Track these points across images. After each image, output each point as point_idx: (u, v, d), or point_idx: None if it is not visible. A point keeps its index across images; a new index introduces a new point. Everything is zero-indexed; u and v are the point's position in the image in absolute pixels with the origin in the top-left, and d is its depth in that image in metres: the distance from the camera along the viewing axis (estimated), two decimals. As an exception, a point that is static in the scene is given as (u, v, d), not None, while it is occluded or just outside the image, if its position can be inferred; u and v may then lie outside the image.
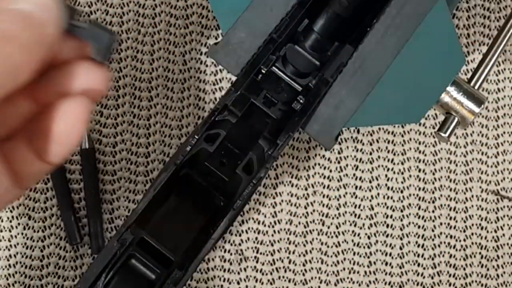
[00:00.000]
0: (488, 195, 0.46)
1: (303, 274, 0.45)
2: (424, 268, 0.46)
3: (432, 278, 0.46)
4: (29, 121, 0.28)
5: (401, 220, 0.46)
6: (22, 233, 0.44)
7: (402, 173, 0.46)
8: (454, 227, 0.46)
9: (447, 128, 0.35)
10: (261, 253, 0.45)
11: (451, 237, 0.46)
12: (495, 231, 0.46)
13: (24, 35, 0.24)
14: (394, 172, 0.46)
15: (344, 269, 0.45)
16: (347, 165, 0.46)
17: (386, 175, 0.46)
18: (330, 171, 0.46)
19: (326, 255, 0.45)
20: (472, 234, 0.46)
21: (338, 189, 0.46)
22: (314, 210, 0.45)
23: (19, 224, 0.44)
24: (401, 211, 0.46)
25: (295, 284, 0.45)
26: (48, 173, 0.36)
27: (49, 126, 0.27)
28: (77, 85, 0.27)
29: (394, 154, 0.46)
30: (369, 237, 0.46)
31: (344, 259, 0.45)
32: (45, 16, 0.25)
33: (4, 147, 0.26)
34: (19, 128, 0.28)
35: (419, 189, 0.46)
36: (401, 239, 0.46)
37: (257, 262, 0.45)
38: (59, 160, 0.29)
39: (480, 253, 0.46)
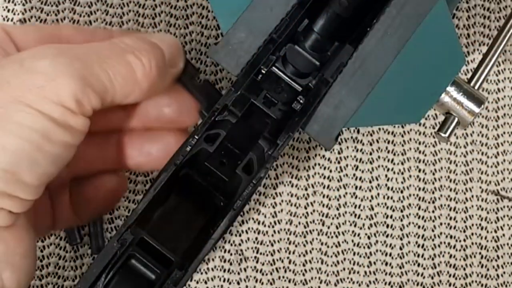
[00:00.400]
0: (488, 195, 0.46)
1: (303, 274, 0.45)
2: (424, 268, 0.46)
3: (432, 278, 0.46)
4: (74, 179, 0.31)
5: (401, 220, 0.46)
6: (22, 233, 0.44)
7: (402, 173, 0.46)
8: (454, 227, 0.46)
9: (447, 128, 0.35)
10: (261, 253, 0.45)
11: (451, 237, 0.46)
12: (495, 231, 0.46)
13: (152, 57, 0.28)
14: (394, 172, 0.46)
15: (344, 269, 0.45)
16: (347, 165, 0.46)
17: (386, 175, 0.46)
18: (330, 171, 0.46)
19: (326, 255, 0.45)
20: (472, 234, 0.46)
21: (338, 189, 0.46)
22: (314, 210, 0.45)
23: (19, 224, 0.44)
24: (401, 211, 0.46)
25: (295, 284, 0.45)
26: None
27: (91, 194, 0.30)
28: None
29: (394, 154, 0.46)
30: (369, 237, 0.46)
31: (344, 259, 0.45)
32: (172, 55, 0.30)
33: (51, 190, 0.29)
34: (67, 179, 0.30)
35: (419, 189, 0.46)
36: (401, 239, 0.46)
37: (257, 262, 0.45)
38: (84, 220, 0.33)
39: (480, 253, 0.46)
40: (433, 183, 0.46)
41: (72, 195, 0.32)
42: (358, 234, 0.46)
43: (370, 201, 0.46)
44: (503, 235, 0.46)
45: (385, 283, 0.45)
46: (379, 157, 0.46)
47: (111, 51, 0.27)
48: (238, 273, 0.45)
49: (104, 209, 0.32)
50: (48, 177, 0.26)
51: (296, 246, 0.45)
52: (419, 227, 0.46)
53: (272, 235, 0.45)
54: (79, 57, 0.26)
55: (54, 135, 0.25)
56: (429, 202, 0.46)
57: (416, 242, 0.46)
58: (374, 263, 0.45)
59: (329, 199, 0.46)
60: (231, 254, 0.45)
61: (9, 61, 0.26)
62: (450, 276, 0.46)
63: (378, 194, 0.46)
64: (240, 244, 0.45)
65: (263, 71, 0.31)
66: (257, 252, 0.45)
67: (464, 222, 0.46)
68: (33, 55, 0.26)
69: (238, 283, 0.45)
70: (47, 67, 0.25)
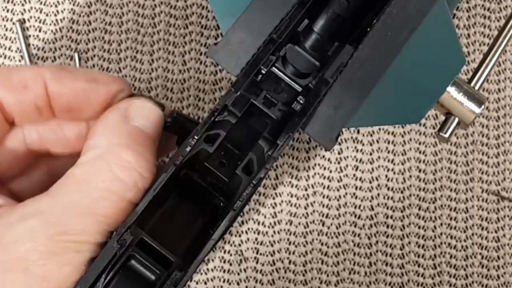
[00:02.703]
0: (488, 195, 0.46)
1: (303, 275, 0.45)
2: (424, 269, 0.46)
3: (433, 278, 0.45)
4: None
5: (402, 220, 0.46)
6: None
7: (403, 174, 0.46)
8: (455, 228, 0.46)
9: (447, 128, 0.35)
10: (261, 254, 0.45)
11: (451, 237, 0.46)
12: (496, 232, 0.46)
13: (152, 158, 0.28)
14: (394, 173, 0.46)
15: (344, 269, 0.45)
16: (347, 165, 0.46)
17: (386, 176, 0.46)
18: (330, 171, 0.46)
19: (326, 255, 0.45)
20: (473, 234, 0.46)
21: (338, 190, 0.46)
22: (314, 211, 0.45)
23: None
24: (402, 211, 0.46)
25: (295, 285, 0.45)
26: None
27: None
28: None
29: (395, 155, 0.46)
30: (369, 238, 0.45)
31: (345, 259, 0.45)
32: (159, 131, 0.29)
33: None
34: None
35: (420, 189, 0.46)
36: (401, 239, 0.46)
37: (257, 262, 0.45)
38: None
39: (481, 253, 0.46)
40: (433, 183, 0.46)
41: None
42: (359, 235, 0.45)
43: (371, 201, 0.46)
44: (504, 235, 0.46)
45: (386, 284, 0.45)
46: (379, 157, 0.46)
47: (111, 201, 0.26)
48: (238, 274, 0.45)
49: None
50: None
51: (296, 246, 0.45)
52: (419, 227, 0.46)
53: (272, 236, 0.45)
54: (81, 240, 0.26)
55: None
56: (429, 202, 0.46)
57: (417, 243, 0.46)
58: (375, 263, 0.45)
59: (329, 200, 0.46)
60: (231, 255, 0.45)
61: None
62: (451, 276, 0.46)
63: (379, 194, 0.46)
64: (240, 245, 0.45)
65: (263, 71, 0.30)
66: (257, 253, 0.45)
67: (465, 222, 0.46)
68: (16, 240, 0.25)
69: (238, 284, 0.45)
70: (30, 252, 0.25)
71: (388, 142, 0.46)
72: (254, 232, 0.45)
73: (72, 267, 0.25)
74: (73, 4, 0.46)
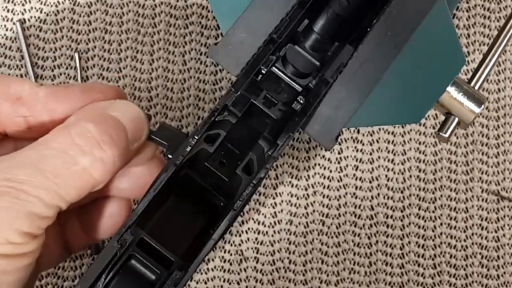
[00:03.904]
0: (488, 195, 0.46)
1: (303, 274, 0.45)
2: (424, 269, 0.46)
3: (433, 278, 0.45)
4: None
5: (402, 220, 0.46)
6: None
7: (403, 173, 0.46)
8: (455, 227, 0.46)
9: (447, 128, 0.35)
10: (261, 254, 0.45)
11: (451, 237, 0.46)
12: (496, 231, 0.46)
13: (120, 143, 0.27)
14: (394, 172, 0.46)
15: (344, 269, 0.45)
16: (347, 165, 0.46)
17: (386, 175, 0.46)
18: (330, 171, 0.46)
19: (326, 255, 0.45)
20: (473, 234, 0.46)
21: (338, 189, 0.46)
22: (314, 211, 0.45)
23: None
24: (402, 211, 0.46)
25: (295, 284, 0.45)
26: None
27: (97, 219, 0.32)
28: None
29: (395, 154, 0.46)
30: (369, 237, 0.45)
31: (345, 259, 0.45)
32: (135, 130, 0.29)
33: (60, 218, 0.29)
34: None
35: (420, 189, 0.46)
36: (401, 239, 0.46)
37: (257, 262, 0.45)
38: (99, 240, 0.33)
39: (480, 253, 0.46)
40: (433, 183, 0.46)
41: (80, 221, 0.32)
42: (359, 234, 0.45)
43: (371, 201, 0.46)
44: (504, 235, 0.46)
45: (386, 283, 0.45)
46: (379, 157, 0.46)
47: (62, 160, 0.26)
48: (238, 273, 0.45)
49: (112, 229, 0.32)
50: (21, 285, 0.26)
51: (296, 246, 0.45)
52: (419, 227, 0.46)
53: (272, 235, 0.45)
54: (23, 188, 0.25)
55: (10, 267, 0.25)
56: (429, 202, 0.46)
57: (417, 242, 0.46)
58: (375, 263, 0.45)
59: (329, 199, 0.46)
60: (231, 254, 0.45)
61: None
62: (450, 276, 0.46)
63: (379, 194, 0.46)
64: (240, 244, 0.45)
65: (263, 71, 0.31)
66: (257, 252, 0.45)
67: (465, 222, 0.46)
68: None
69: (238, 283, 0.45)
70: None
71: (388, 142, 0.46)
72: (254, 232, 0.45)
73: (9, 213, 0.25)
74: (74, 4, 0.46)
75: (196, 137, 0.28)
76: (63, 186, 0.26)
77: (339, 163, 0.46)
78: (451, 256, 0.46)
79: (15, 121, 0.29)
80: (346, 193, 0.46)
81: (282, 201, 0.45)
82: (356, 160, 0.46)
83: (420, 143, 0.46)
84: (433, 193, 0.46)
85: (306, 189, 0.46)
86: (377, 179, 0.46)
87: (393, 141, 0.46)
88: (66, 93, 0.29)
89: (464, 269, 0.46)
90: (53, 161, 0.26)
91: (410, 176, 0.46)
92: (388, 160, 0.46)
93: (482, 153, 0.46)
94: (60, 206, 0.26)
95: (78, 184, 0.26)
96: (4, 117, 0.29)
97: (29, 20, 0.46)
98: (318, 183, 0.46)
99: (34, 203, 0.25)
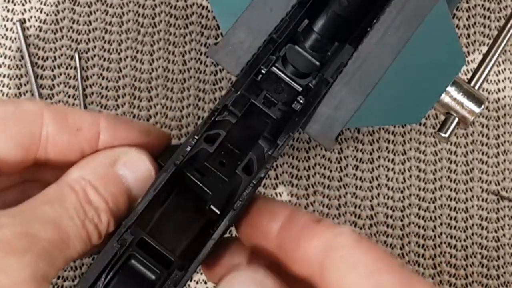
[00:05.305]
0: (488, 195, 0.46)
1: (304, 274, 0.45)
2: (424, 268, 0.46)
3: (433, 278, 0.45)
4: None
5: (402, 220, 0.46)
6: (22, 234, 0.44)
7: (403, 173, 0.46)
8: (455, 227, 0.46)
9: (447, 128, 0.35)
10: (261, 253, 0.45)
11: (451, 237, 0.46)
12: (496, 231, 0.46)
13: (118, 211, 0.28)
14: (394, 172, 0.46)
15: (344, 269, 0.45)
16: (347, 165, 0.46)
17: (386, 175, 0.46)
18: (330, 171, 0.46)
19: (326, 255, 0.45)
20: (473, 234, 0.46)
21: (338, 189, 0.46)
22: (314, 210, 0.45)
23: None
24: (402, 211, 0.46)
25: (295, 284, 0.45)
26: None
27: None
28: None
29: (395, 154, 0.46)
30: (369, 237, 0.45)
31: (345, 259, 0.45)
32: (143, 188, 0.28)
33: None
34: None
35: (420, 189, 0.46)
36: (401, 239, 0.46)
37: (257, 262, 0.45)
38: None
39: (480, 253, 0.46)
40: (433, 182, 0.46)
41: None
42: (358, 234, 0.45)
43: (371, 201, 0.46)
44: (504, 235, 0.46)
45: (386, 283, 0.45)
46: (379, 156, 0.46)
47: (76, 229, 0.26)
48: (239, 273, 0.45)
49: None
50: None
51: (296, 246, 0.45)
52: (419, 227, 0.46)
53: (273, 235, 0.45)
54: (46, 250, 0.24)
55: None
56: (429, 202, 0.46)
57: (417, 242, 0.46)
58: (375, 263, 0.45)
59: (329, 199, 0.46)
60: (231, 254, 0.45)
61: None
62: (450, 276, 0.46)
63: (379, 193, 0.46)
64: (240, 244, 0.45)
65: (263, 71, 0.31)
66: (257, 252, 0.45)
67: (465, 222, 0.46)
68: (4, 248, 0.23)
69: (239, 283, 0.45)
70: (14, 269, 0.23)
71: (388, 142, 0.46)
72: (254, 232, 0.45)
73: (31, 270, 0.24)
74: (74, 4, 0.46)
75: (196, 137, 0.28)
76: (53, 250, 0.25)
77: (339, 162, 0.46)
78: (451, 256, 0.46)
79: (70, 152, 0.28)
80: (346, 193, 0.46)
81: (282, 201, 0.45)
82: (356, 159, 0.46)
83: (420, 143, 0.46)
84: (433, 193, 0.46)
85: (306, 189, 0.46)
86: (377, 179, 0.46)
87: (393, 141, 0.46)
88: (126, 130, 0.29)
89: (464, 269, 0.46)
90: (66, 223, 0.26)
91: (410, 176, 0.46)
92: (388, 160, 0.46)
93: (482, 153, 0.46)
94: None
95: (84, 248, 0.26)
96: (59, 148, 0.28)
97: (29, 20, 0.46)
98: (318, 183, 0.46)
99: (54, 267, 0.25)
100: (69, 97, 0.45)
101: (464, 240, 0.46)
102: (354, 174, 0.46)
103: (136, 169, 0.28)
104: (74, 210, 0.26)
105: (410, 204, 0.46)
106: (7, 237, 0.23)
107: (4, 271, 0.23)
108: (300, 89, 0.31)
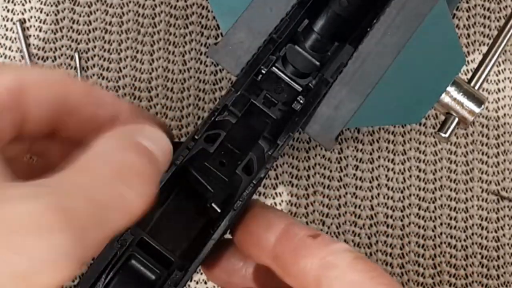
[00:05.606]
0: (488, 195, 0.46)
1: (304, 274, 0.45)
2: (424, 268, 0.46)
3: (433, 278, 0.45)
4: None
5: (402, 220, 0.46)
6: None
7: (403, 173, 0.46)
8: (455, 227, 0.46)
9: (447, 128, 0.35)
10: (261, 253, 0.45)
11: (451, 237, 0.46)
12: (496, 231, 0.46)
13: (147, 171, 0.24)
14: (394, 172, 0.46)
15: (344, 269, 0.45)
16: (347, 165, 0.46)
17: (386, 175, 0.46)
18: (330, 171, 0.46)
19: (326, 255, 0.45)
20: (473, 234, 0.46)
21: (338, 189, 0.46)
22: (314, 210, 0.45)
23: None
24: (402, 211, 0.46)
25: (295, 284, 0.45)
26: None
27: None
28: None
29: (395, 154, 0.46)
30: (369, 237, 0.45)
31: (345, 259, 0.45)
32: (162, 157, 0.25)
33: None
34: None
35: (420, 189, 0.46)
36: (401, 239, 0.46)
37: (257, 262, 0.45)
38: None
39: (480, 253, 0.46)
40: (433, 182, 0.46)
41: None
42: (359, 234, 0.46)
43: (371, 201, 0.46)
44: (504, 235, 0.46)
45: (386, 283, 0.45)
46: (379, 156, 0.46)
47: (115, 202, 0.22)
48: (239, 273, 0.45)
49: None
50: None
51: (296, 246, 0.45)
52: (419, 227, 0.46)
53: (273, 235, 0.45)
54: (83, 227, 0.21)
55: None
56: (429, 202, 0.46)
57: (417, 242, 0.46)
58: (375, 263, 0.45)
59: (329, 199, 0.46)
60: (231, 254, 0.45)
61: None
62: (450, 276, 0.46)
63: (379, 193, 0.46)
64: (240, 244, 0.45)
65: (263, 71, 0.31)
66: (257, 252, 0.45)
67: (465, 222, 0.46)
68: (25, 226, 0.19)
69: (239, 283, 0.45)
70: (43, 252, 0.19)
71: (388, 142, 0.46)
72: (254, 232, 0.45)
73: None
74: (74, 4, 0.46)
75: (196, 137, 0.28)
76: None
77: (339, 162, 0.46)
78: (451, 256, 0.46)
79: (88, 127, 0.27)
80: (346, 193, 0.46)
81: (282, 201, 0.45)
82: (356, 159, 0.46)
83: (420, 143, 0.46)
84: (433, 193, 0.46)
85: (306, 189, 0.46)
86: (377, 179, 0.46)
87: (393, 141, 0.46)
88: (146, 119, 0.28)
89: (464, 269, 0.46)
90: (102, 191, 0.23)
91: (410, 176, 0.46)
92: (388, 160, 0.46)
93: (482, 153, 0.46)
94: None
95: (123, 219, 0.23)
96: (80, 121, 0.27)
97: (29, 20, 0.46)
98: (318, 183, 0.46)
99: (89, 245, 0.21)
100: (69, 97, 0.45)
101: (464, 240, 0.46)
102: (354, 174, 0.46)
103: (159, 143, 0.26)
104: (111, 180, 0.23)
105: (410, 204, 0.46)
106: (38, 212, 0.20)
107: (29, 251, 0.19)
108: (300, 89, 0.31)
